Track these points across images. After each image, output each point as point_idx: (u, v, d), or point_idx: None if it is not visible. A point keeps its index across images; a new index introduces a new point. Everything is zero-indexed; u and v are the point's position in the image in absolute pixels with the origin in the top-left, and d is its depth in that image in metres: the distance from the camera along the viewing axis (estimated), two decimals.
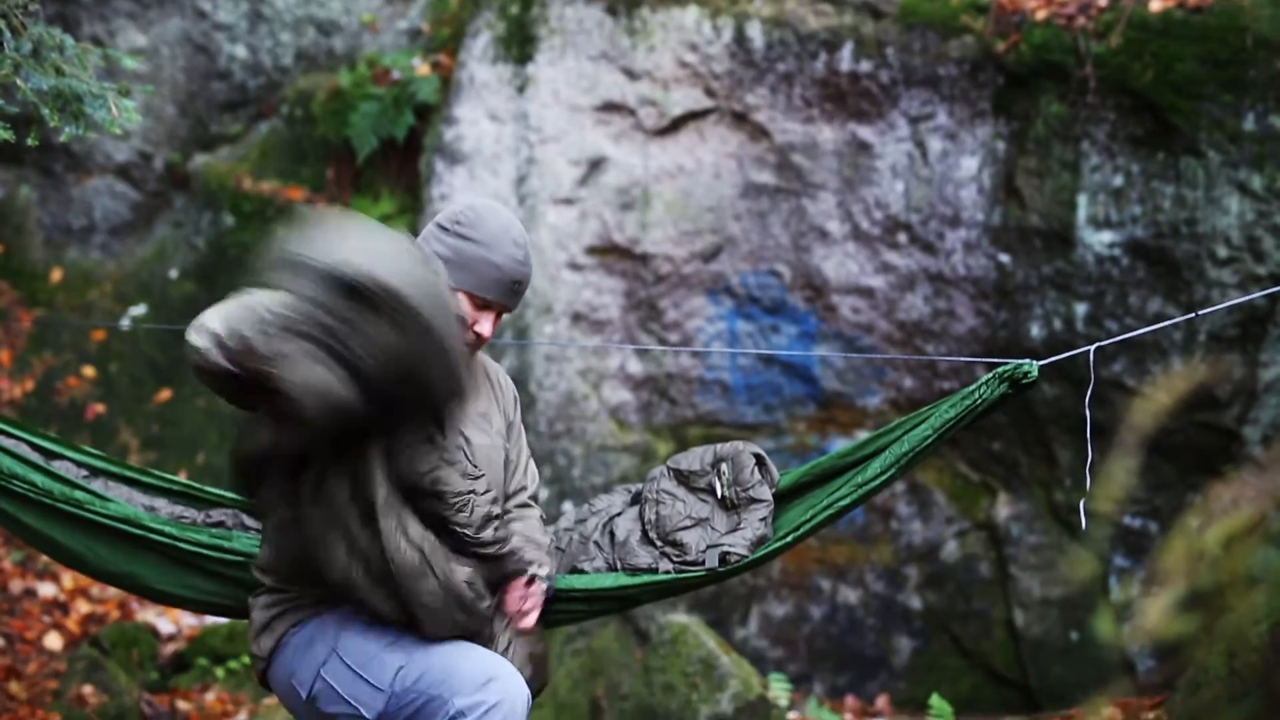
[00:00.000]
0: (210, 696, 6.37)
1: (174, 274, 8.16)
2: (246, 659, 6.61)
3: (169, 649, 6.85)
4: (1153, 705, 5.06)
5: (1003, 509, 7.26)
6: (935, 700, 5.32)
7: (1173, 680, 5.10)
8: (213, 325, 3.05)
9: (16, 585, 7.06)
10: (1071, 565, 6.95)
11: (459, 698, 3.24)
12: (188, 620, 7.02)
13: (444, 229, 3.52)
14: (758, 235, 7.41)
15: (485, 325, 3.49)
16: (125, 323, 8.09)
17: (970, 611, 7.30)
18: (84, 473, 3.73)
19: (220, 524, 3.79)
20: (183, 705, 6.23)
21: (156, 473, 3.85)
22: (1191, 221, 6.71)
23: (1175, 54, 6.75)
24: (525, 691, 3.32)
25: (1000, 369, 3.54)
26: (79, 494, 3.59)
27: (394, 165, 8.17)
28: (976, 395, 3.54)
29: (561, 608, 3.63)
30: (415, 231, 7.95)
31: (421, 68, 8.02)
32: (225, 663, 6.60)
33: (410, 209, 8.07)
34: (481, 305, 3.48)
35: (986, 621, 7.28)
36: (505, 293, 3.49)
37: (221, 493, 3.88)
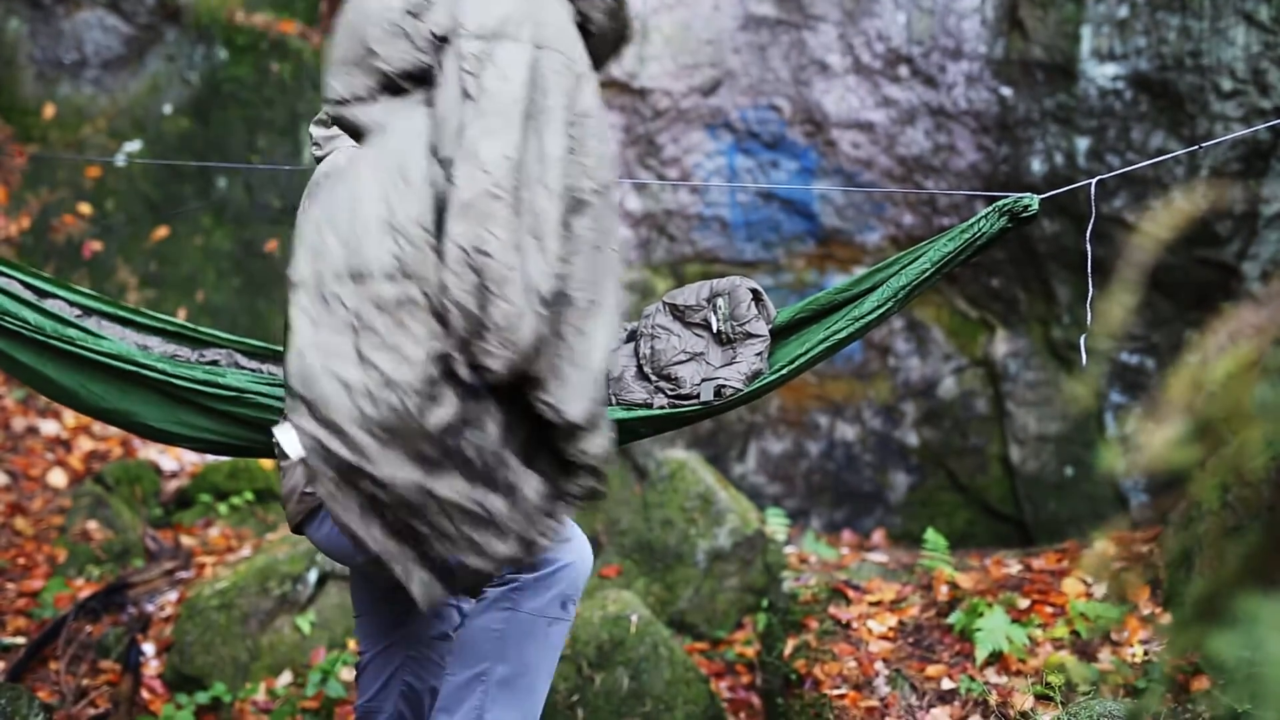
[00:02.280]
0: (214, 532, 6.44)
1: (168, 109, 8.07)
2: (249, 495, 6.67)
3: (172, 485, 6.91)
4: (1146, 539, 5.11)
5: (1000, 345, 7.26)
6: (930, 535, 5.37)
7: (1166, 515, 5.15)
8: None
9: (19, 423, 7.09)
10: (1068, 401, 6.98)
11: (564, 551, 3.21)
12: (190, 458, 7.07)
13: None
14: (757, 69, 7.31)
15: None
16: (121, 159, 8.02)
17: (966, 447, 7.35)
18: (77, 312, 3.73)
19: (214, 363, 3.79)
20: (186, 541, 6.30)
21: (150, 312, 3.83)
22: (1196, 53, 6.60)
23: None
24: (591, 553, 3.30)
25: (1000, 202, 3.52)
26: (71, 331, 3.59)
27: None
28: (975, 228, 3.52)
29: None
30: None
31: None
32: (228, 499, 6.66)
33: None
34: None
35: (982, 457, 7.33)
36: None
37: (216, 333, 3.87)
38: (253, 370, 3.79)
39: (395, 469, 2.68)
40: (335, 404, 2.68)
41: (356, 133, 2.93)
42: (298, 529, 3.41)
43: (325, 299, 2.73)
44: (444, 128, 2.73)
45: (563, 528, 2.95)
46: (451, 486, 2.71)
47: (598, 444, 2.86)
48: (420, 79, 2.86)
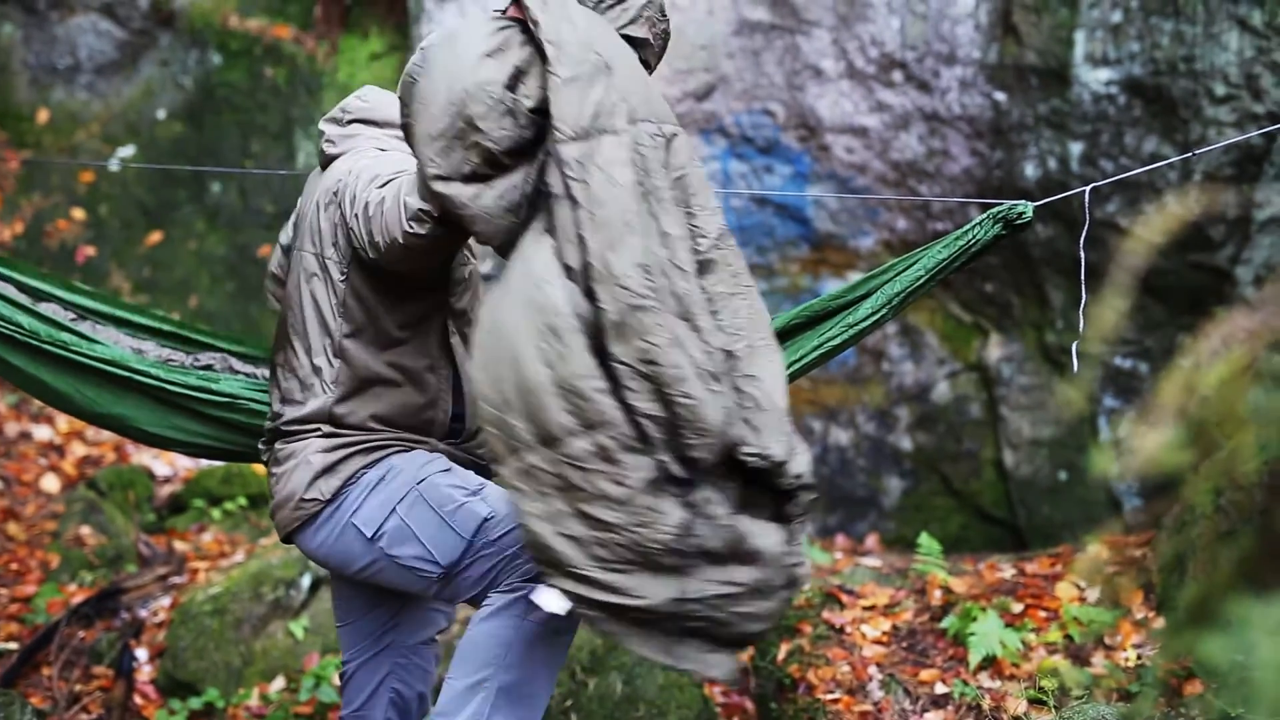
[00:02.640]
0: (207, 537, 6.43)
1: (161, 114, 8.07)
2: (243, 500, 6.67)
3: (165, 491, 6.90)
4: (1139, 544, 5.12)
5: (994, 350, 7.27)
6: (924, 539, 5.37)
7: (1159, 519, 5.15)
8: None
9: (12, 428, 7.09)
10: (1061, 406, 6.98)
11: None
12: (183, 463, 7.06)
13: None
14: (751, 74, 7.31)
15: None
16: (114, 164, 8.01)
17: (960, 452, 7.35)
18: (72, 315, 3.73)
19: (208, 367, 3.81)
20: (179, 546, 6.30)
21: (147, 310, 3.85)
22: (1190, 58, 6.61)
23: None
24: None
25: (994, 209, 3.52)
26: (65, 335, 3.59)
27: (383, 2, 8.05)
28: (970, 236, 3.53)
29: None
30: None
31: None
32: (221, 504, 6.66)
33: (400, 47, 7.96)
34: None
35: (976, 462, 7.33)
36: None
37: (211, 336, 3.88)
38: (246, 375, 3.80)
39: (650, 591, 2.85)
40: (574, 559, 2.83)
41: (455, 214, 2.93)
42: (287, 539, 3.42)
43: (527, 472, 2.84)
44: (563, 235, 2.80)
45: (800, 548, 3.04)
46: (705, 580, 2.87)
47: (803, 464, 2.97)
48: (521, 154, 2.88)
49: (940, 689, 4.61)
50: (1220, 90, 6.57)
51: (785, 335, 3.70)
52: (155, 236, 7.92)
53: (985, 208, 3.57)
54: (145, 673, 5.37)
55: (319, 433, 3.37)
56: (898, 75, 7.14)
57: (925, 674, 4.69)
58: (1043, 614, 4.90)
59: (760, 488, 2.96)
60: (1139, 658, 4.51)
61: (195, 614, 5.39)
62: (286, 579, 5.49)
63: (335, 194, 3.30)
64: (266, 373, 3.80)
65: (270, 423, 3.49)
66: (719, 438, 2.81)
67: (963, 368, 7.36)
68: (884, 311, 3.59)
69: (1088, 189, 3.62)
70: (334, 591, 3.77)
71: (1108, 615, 4.74)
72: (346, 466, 3.34)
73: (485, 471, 3.44)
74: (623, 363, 2.76)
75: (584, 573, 2.84)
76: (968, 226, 3.56)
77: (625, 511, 2.80)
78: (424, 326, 3.36)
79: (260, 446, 3.56)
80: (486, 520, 3.24)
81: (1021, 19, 6.92)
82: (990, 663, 4.65)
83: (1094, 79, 6.79)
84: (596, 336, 2.79)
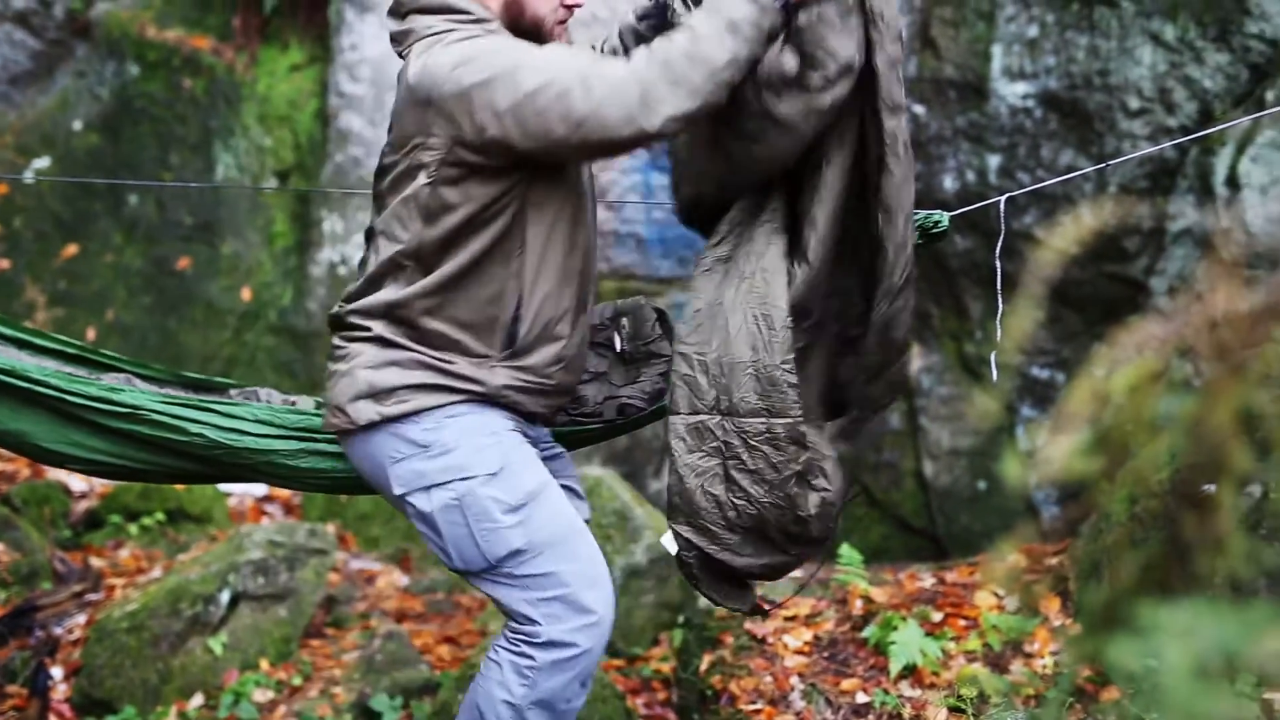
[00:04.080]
0: (124, 553, 6.36)
1: (78, 125, 7.98)
2: (161, 515, 6.59)
3: (81, 506, 6.81)
4: (1056, 551, 5.17)
5: (914, 361, 7.32)
6: (845, 550, 5.39)
7: (1076, 526, 5.20)
8: None
9: None
10: (980, 416, 7.04)
11: (555, 626, 3.14)
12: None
13: None
14: None
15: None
16: (29, 176, 7.91)
17: (881, 462, 7.40)
18: None
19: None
20: (96, 562, 6.21)
21: (50, 335, 3.69)
22: (1104, 72, 6.70)
23: None
24: (608, 636, 3.24)
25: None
26: None
27: (302, 13, 8.00)
28: None
29: None
30: (326, 82, 7.82)
31: None
32: (139, 519, 6.58)
33: (320, 58, 7.92)
34: None
35: (896, 472, 7.37)
36: None
37: (117, 357, 3.73)
38: (153, 391, 3.66)
39: (751, 554, 3.23)
40: (708, 514, 3.16)
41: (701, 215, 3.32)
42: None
43: (698, 429, 3.13)
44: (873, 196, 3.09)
45: (594, 611, 3.19)
46: (790, 556, 3.30)
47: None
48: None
49: (861, 698, 4.62)
50: (1134, 104, 6.66)
51: None
52: (71, 249, 7.83)
53: None
54: (60, 691, 5.29)
55: (372, 335, 3.21)
56: None
57: (846, 683, 4.70)
58: (962, 622, 4.94)
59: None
60: (1056, 664, 4.55)
61: (111, 631, 5.32)
62: (205, 594, 5.43)
63: (429, 94, 3.05)
64: (171, 391, 3.65)
65: (339, 304, 3.34)
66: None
67: None
68: None
69: (1003, 199, 3.66)
70: None
71: (1026, 623, 4.78)
72: (393, 403, 3.17)
73: (542, 394, 3.30)
74: (891, 309, 3.21)
75: (710, 527, 3.17)
76: None
77: (770, 493, 3.13)
78: (499, 222, 3.15)
79: (333, 312, 3.39)
80: (517, 553, 3.15)
81: (940, 33, 6.99)
82: (911, 671, 4.68)
83: (1011, 92, 6.86)
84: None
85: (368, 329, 3.22)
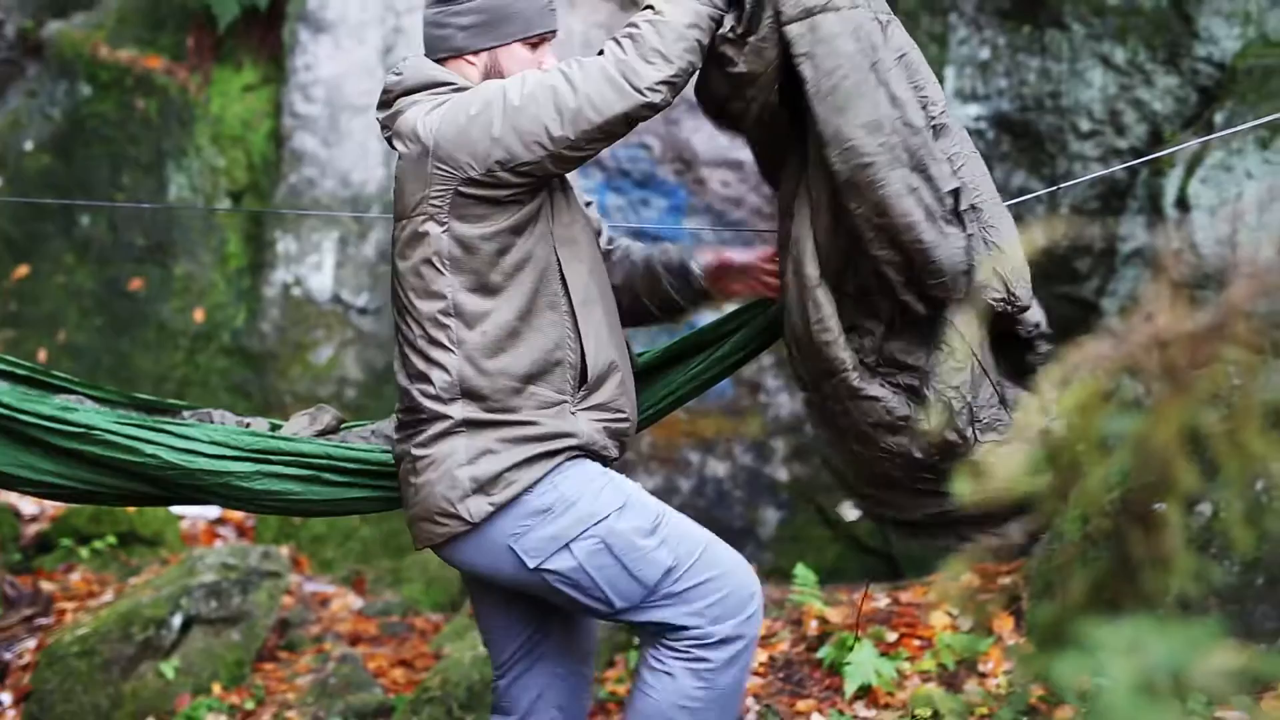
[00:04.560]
0: (75, 577, 6.30)
1: (29, 145, 7.92)
2: (112, 539, 6.53)
3: (31, 529, 6.75)
4: (1009, 569, 5.19)
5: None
6: (800, 570, 5.40)
7: (1029, 545, 5.23)
8: None
9: None
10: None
11: (723, 626, 3.19)
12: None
13: (451, 1, 3.27)
14: None
15: (551, 59, 3.29)
16: None
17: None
18: None
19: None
20: (47, 586, 6.16)
21: (2, 356, 3.62)
22: (1056, 95, 6.76)
23: None
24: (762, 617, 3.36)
25: None
26: None
27: (256, 33, 7.98)
28: None
29: None
30: (280, 102, 7.80)
31: None
32: (90, 543, 6.53)
33: (273, 79, 7.90)
34: (535, 44, 3.29)
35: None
36: (548, 14, 3.32)
37: (69, 379, 3.68)
38: (105, 410, 3.60)
39: (908, 506, 3.34)
40: (850, 479, 3.40)
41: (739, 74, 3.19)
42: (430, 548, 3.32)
43: (809, 404, 3.42)
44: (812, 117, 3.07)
45: (752, 602, 3.26)
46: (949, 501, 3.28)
47: (1041, 314, 3.38)
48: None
49: (817, 719, 4.63)
50: (1085, 126, 6.72)
51: (657, 369, 3.69)
52: (22, 270, 7.77)
53: None
54: (10, 717, 5.24)
55: (454, 422, 3.17)
56: None
57: (802, 704, 4.71)
58: (917, 642, 4.95)
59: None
60: (1009, 683, 4.57)
61: (62, 656, 5.27)
62: (157, 618, 5.39)
63: (426, 145, 3.11)
64: (124, 412, 3.60)
65: (401, 413, 3.29)
66: (953, 278, 3.11)
67: None
68: (753, 346, 3.61)
69: None
70: (472, 598, 3.57)
71: (980, 642, 4.80)
72: (502, 489, 3.15)
73: (616, 432, 3.29)
74: (859, 214, 3.06)
75: (860, 489, 3.35)
76: None
77: (868, 447, 3.21)
78: (533, 262, 3.17)
79: (394, 437, 3.36)
80: (670, 570, 3.17)
81: None
82: (866, 692, 4.69)
83: (964, 114, 6.91)
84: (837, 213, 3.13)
85: (447, 417, 3.18)
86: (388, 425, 3.62)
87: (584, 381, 3.22)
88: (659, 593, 3.18)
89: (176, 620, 5.43)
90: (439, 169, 3.10)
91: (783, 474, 7.46)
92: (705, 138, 7.28)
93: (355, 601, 6.57)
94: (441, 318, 3.16)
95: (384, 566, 6.88)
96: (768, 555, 7.41)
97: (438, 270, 3.14)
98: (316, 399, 7.00)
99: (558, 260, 3.20)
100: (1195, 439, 1.53)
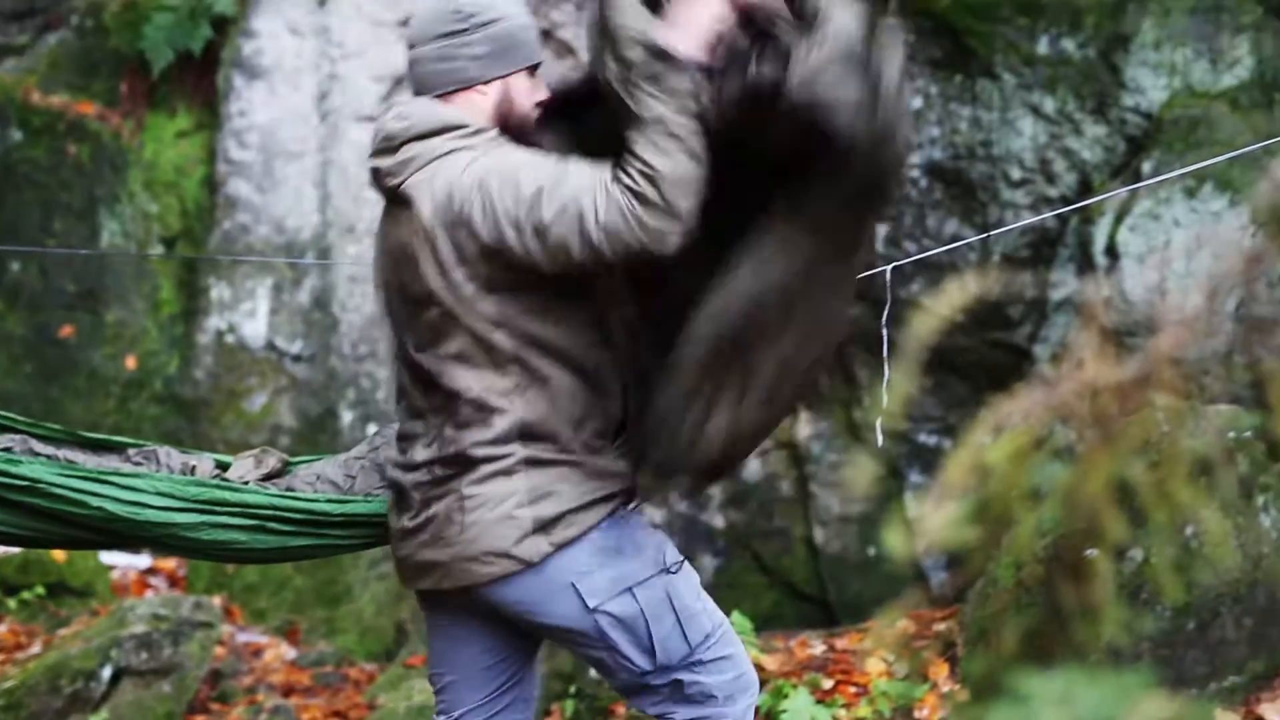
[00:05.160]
0: (1, 629, 6.21)
1: None
2: (41, 589, 6.44)
3: None
4: (944, 616, 5.22)
5: (804, 428, 7.37)
6: (736, 617, 5.39)
7: (963, 592, 5.25)
8: None
9: None
10: (869, 482, 7.10)
11: (735, 706, 3.24)
12: None
13: (461, 32, 3.19)
14: None
15: (542, 89, 3.27)
16: None
17: (771, 529, 7.42)
18: None
19: (8, 449, 3.57)
20: None
21: None
22: (987, 143, 6.84)
23: None
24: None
25: None
26: None
27: (190, 79, 7.95)
28: None
29: (353, 532, 3.57)
30: (214, 148, 7.77)
31: None
32: (18, 593, 6.43)
33: (208, 125, 7.87)
34: (532, 72, 3.25)
35: (787, 539, 7.40)
36: (540, 42, 3.31)
37: (12, 417, 3.66)
38: (48, 456, 3.59)
39: None
40: None
41: None
42: (460, 590, 3.22)
43: None
44: None
45: (754, 685, 3.36)
46: None
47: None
48: None
49: None
50: (1016, 174, 6.80)
51: None
52: None
53: None
54: None
55: (516, 460, 3.11)
56: None
57: None
58: (852, 689, 4.96)
59: None
60: None
61: None
62: (86, 670, 5.32)
63: (460, 209, 3.04)
64: (69, 454, 3.59)
65: (441, 449, 3.17)
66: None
67: (773, 445, 7.45)
68: None
69: (889, 268, 3.71)
70: (440, 636, 3.43)
71: (914, 688, 4.81)
72: (563, 529, 3.10)
73: (636, 470, 3.25)
74: None
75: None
76: None
77: None
78: (574, 317, 3.17)
79: (420, 478, 3.23)
80: (709, 635, 3.21)
81: None
82: None
83: None
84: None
85: (505, 457, 3.12)
86: (333, 469, 3.61)
87: (623, 427, 3.22)
88: (694, 656, 3.19)
89: (106, 672, 5.36)
90: (471, 236, 3.05)
91: (718, 521, 7.46)
92: None
93: (289, 652, 6.51)
94: (486, 375, 3.12)
95: (318, 616, 6.82)
96: None
97: (488, 327, 3.10)
98: (250, 447, 6.93)
99: (607, 308, 3.24)
100: (1124, 488, 1.54)
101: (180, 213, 7.85)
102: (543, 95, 3.26)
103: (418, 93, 3.26)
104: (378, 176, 3.21)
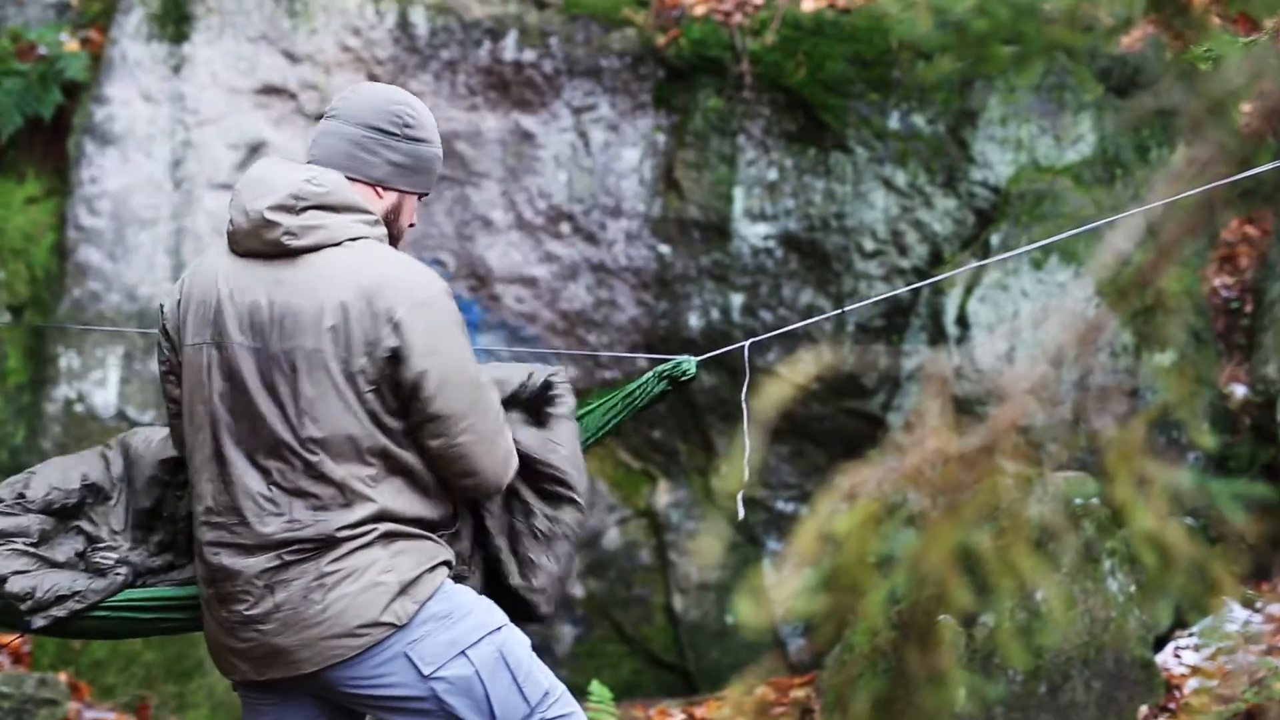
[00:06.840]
0: None
1: None
2: None
3: None
4: (802, 683, 5.25)
5: (663, 496, 7.40)
6: (595, 686, 5.38)
7: (821, 659, 5.29)
8: None
9: None
10: (727, 550, 7.13)
11: None
12: None
13: (392, 135, 3.26)
14: (421, 223, 7.35)
15: (414, 218, 3.44)
16: None
17: (630, 597, 7.42)
18: None
19: None
20: None
21: None
22: (841, 215, 6.96)
23: (826, 53, 6.99)
24: None
25: (659, 367, 3.60)
26: None
27: (40, 145, 7.82)
28: (636, 392, 3.60)
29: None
30: (64, 215, 7.63)
31: (70, 43, 7.68)
32: None
33: (58, 191, 7.73)
34: (420, 199, 3.40)
35: (647, 607, 7.40)
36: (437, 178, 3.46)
37: None
38: None
39: None
40: None
41: None
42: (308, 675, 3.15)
43: None
44: None
45: None
46: None
47: None
48: None
49: None
50: (869, 245, 6.92)
51: None
52: None
53: (653, 360, 3.65)
54: None
55: (378, 534, 3.11)
56: (565, 227, 7.29)
57: None
58: None
59: None
60: None
61: None
62: None
63: (392, 311, 3.11)
64: None
65: (294, 531, 3.10)
66: None
67: (633, 514, 7.46)
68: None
69: (747, 344, 3.74)
70: (266, 717, 3.33)
71: None
72: (421, 588, 3.12)
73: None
74: None
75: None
76: (634, 384, 3.63)
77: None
78: None
79: (265, 564, 3.12)
80: (547, 694, 3.22)
81: (683, 175, 7.17)
82: None
83: (752, 233, 7.07)
84: None
85: (367, 533, 3.12)
86: (136, 553, 3.44)
87: (455, 518, 3.31)
88: (534, 715, 3.18)
89: None
90: (388, 338, 3.13)
91: (578, 589, 7.44)
92: (499, 254, 7.33)
93: None
94: (354, 464, 3.13)
95: (168, 691, 6.67)
96: (564, 672, 7.33)
97: (364, 415, 3.14)
98: None
99: None
100: (969, 555, 1.57)
101: (29, 280, 7.69)
102: (412, 222, 3.40)
103: (317, 161, 3.26)
104: (268, 229, 3.14)
